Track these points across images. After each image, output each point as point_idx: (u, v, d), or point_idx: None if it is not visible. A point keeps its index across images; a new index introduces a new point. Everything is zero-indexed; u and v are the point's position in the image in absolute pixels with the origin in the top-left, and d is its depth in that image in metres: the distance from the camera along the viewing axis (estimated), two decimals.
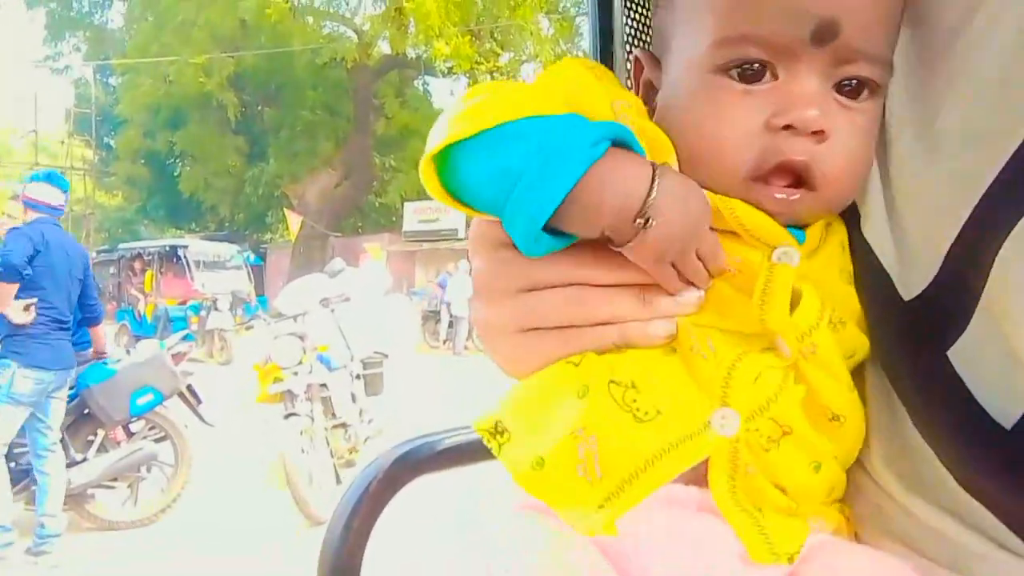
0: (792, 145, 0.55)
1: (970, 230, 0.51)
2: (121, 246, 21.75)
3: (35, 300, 4.40)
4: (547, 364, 0.59)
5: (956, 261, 0.53)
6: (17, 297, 4.35)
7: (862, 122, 0.57)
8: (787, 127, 0.55)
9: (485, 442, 0.58)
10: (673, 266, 0.55)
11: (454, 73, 21.52)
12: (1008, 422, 0.50)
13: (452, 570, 0.62)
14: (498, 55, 20.68)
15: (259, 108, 27.47)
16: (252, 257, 21.37)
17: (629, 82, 0.69)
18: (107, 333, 5.47)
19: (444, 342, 15.93)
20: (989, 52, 0.52)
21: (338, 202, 24.25)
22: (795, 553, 0.56)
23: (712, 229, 0.56)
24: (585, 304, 0.58)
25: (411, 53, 21.59)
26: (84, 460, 4.88)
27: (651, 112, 0.63)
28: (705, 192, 0.56)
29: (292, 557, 4.23)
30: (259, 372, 5.60)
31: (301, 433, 5.13)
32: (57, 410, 4.58)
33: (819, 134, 0.55)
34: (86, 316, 4.87)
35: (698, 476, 0.57)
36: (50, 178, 4.78)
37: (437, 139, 0.57)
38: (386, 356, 6.64)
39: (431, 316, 16.57)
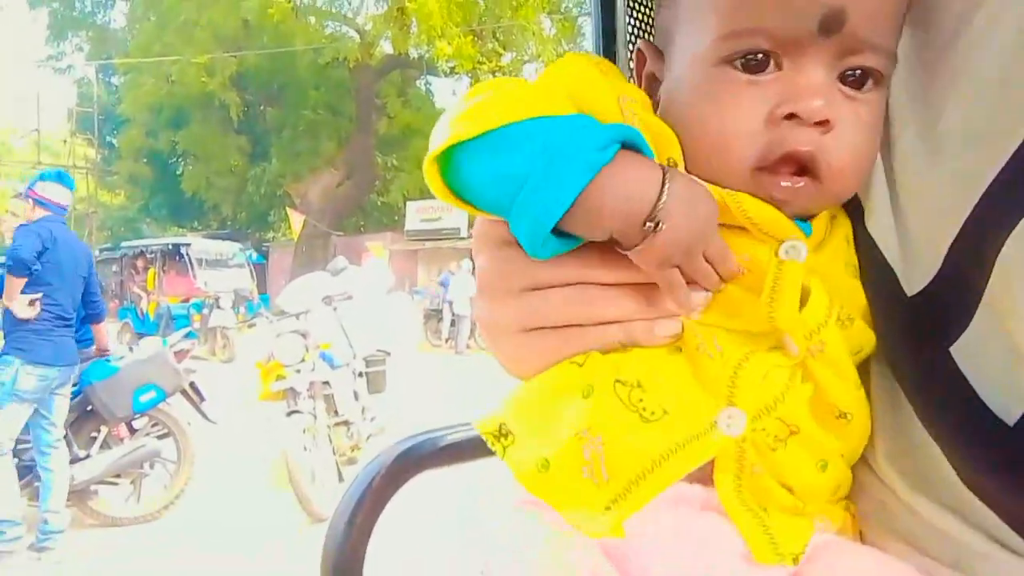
0: (797, 136, 0.55)
1: (971, 228, 0.52)
2: (124, 244, 21.77)
3: (40, 295, 4.43)
4: (551, 364, 0.58)
5: (958, 258, 0.53)
6: (23, 292, 4.39)
7: (866, 113, 0.57)
8: (791, 116, 0.54)
9: (489, 445, 0.57)
10: (680, 270, 0.55)
11: (456, 73, 21.48)
12: (1010, 419, 0.50)
13: (452, 567, 0.62)
14: (500, 55, 20.63)
15: (261, 108, 27.43)
16: (254, 256, 21.38)
17: (632, 78, 0.69)
18: (110, 331, 5.48)
19: (446, 341, 15.90)
20: (989, 52, 0.52)
21: (340, 201, 24.22)
22: (799, 554, 0.56)
23: (719, 224, 0.55)
24: (590, 303, 0.58)
25: (413, 53, 21.53)
26: (87, 457, 4.89)
27: (655, 105, 0.63)
28: (712, 193, 0.55)
29: (294, 554, 4.24)
30: (261, 370, 5.59)
31: (304, 431, 5.13)
32: (61, 407, 4.60)
33: (824, 124, 0.54)
34: (89, 313, 4.89)
35: (703, 474, 0.57)
36: (60, 177, 4.83)
37: (441, 139, 0.56)
38: (388, 354, 6.64)
39: (433, 315, 16.55)
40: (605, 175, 0.51)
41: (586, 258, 0.57)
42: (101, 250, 21.02)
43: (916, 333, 0.56)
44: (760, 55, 0.55)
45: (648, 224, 0.52)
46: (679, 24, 0.61)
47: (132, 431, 5.15)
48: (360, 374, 6.23)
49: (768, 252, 0.57)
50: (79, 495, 4.80)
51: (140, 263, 18.99)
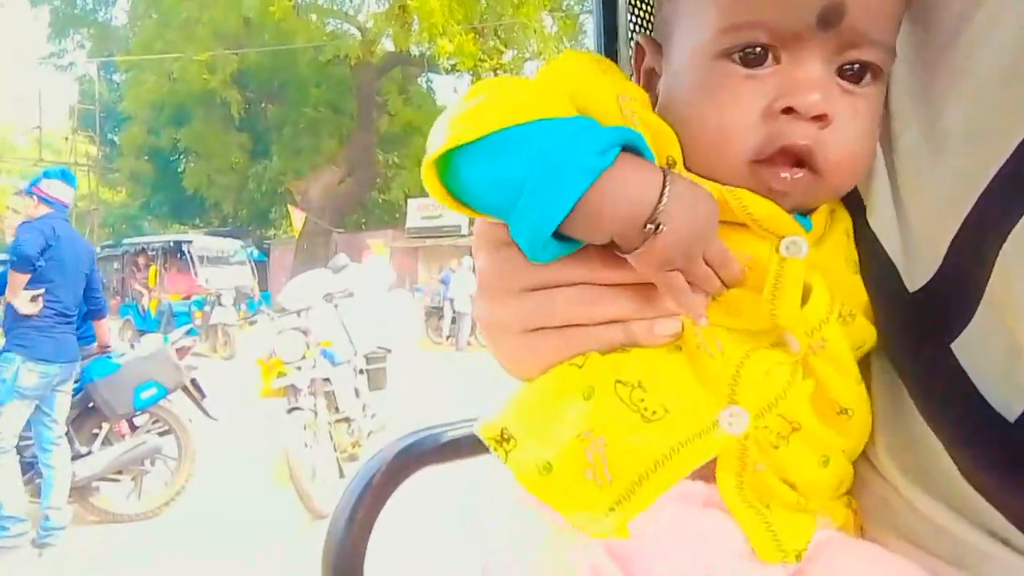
0: (795, 130, 0.54)
1: (972, 225, 0.52)
2: (125, 241, 21.73)
3: (42, 291, 4.44)
4: (552, 364, 0.58)
5: (959, 255, 0.53)
6: (24, 289, 4.41)
7: (864, 107, 0.56)
8: (789, 111, 0.54)
9: (492, 450, 0.57)
10: (682, 274, 0.54)
11: (457, 70, 21.46)
12: (1011, 415, 0.50)
13: (453, 564, 0.62)
14: (502, 53, 20.59)
15: (262, 105, 27.42)
16: (256, 253, 21.37)
17: (633, 75, 0.69)
18: (111, 328, 5.49)
19: (447, 338, 15.90)
20: (990, 50, 0.52)
21: (341, 198, 24.21)
22: (802, 550, 0.56)
23: (719, 222, 0.55)
24: (590, 303, 0.58)
25: (414, 50, 21.53)
26: (88, 453, 4.90)
27: (653, 99, 0.63)
28: (712, 192, 0.55)
29: (295, 551, 4.25)
30: (262, 367, 5.60)
31: (304, 427, 5.14)
32: (62, 403, 4.61)
33: (821, 119, 0.54)
34: (91, 309, 4.90)
35: (705, 471, 0.57)
36: (64, 175, 4.85)
37: (440, 142, 0.56)
38: (389, 351, 6.63)
39: (434, 312, 16.54)
40: (605, 179, 0.51)
41: (587, 258, 0.56)
42: (103, 247, 21.02)
43: (917, 329, 0.56)
44: (759, 49, 0.55)
45: (648, 226, 0.52)
46: (679, 18, 0.61)
47: (133, 428, 5.16)
48: (361, 371, 6.23)
49: (769, 248, 0.57)
50: (80, 491, 4.81)
51: (141, 260, 18.97)
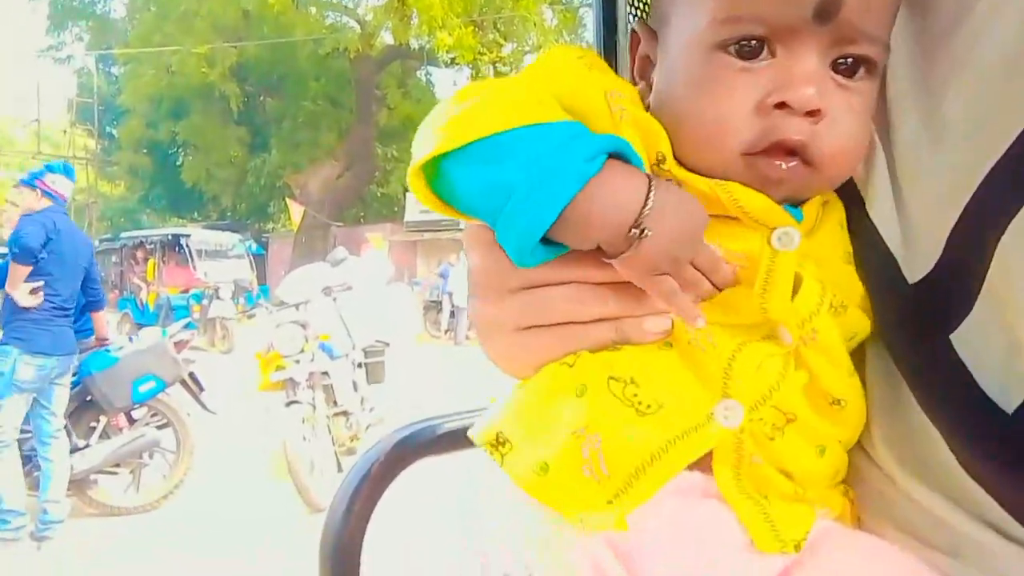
0: (788, 125, 0.54)
1: (971, 216, 0.52)
2: (123, 235, 21.76)
3: (42, 284, 4.46)
4: (545, 361, 0.59)
5: (958, 247, 0.53)
6: (24, 281, 4.42)
7: (858, 102, 0.57)
8: (782, 105, 0.54)
9: (488, 455, 0.57)
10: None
11: (457, 64, 21.39)
12: (1010, 407, 0.50)
13: (449, 559, 0.62)
14: (501, 46, 20.56)
15: (261, 98, 27.38)
16: (254, 247, 21.38)
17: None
18: (109, 321, 5.49)
19: (446, 332, 15.92)
20: (991, 41, 0.52)
21: (340, 192, 24.19)
22: (801, 540, 0.56)
23: (710, 216, 0.55)
24: (580, 302, 0.58)
25: (414, 44, 21.51)
26: (87, 446, 4.91)
27: (647, 88, 0.63)
28: (702, 187, 0.56)
29: (293, 544, 4.25)
30: (261, 360, 5.60)
31: (303, 421, 5.15)
32: (60, 396, 4.62)
33: (814, 114, 0.54)
34: (89, 300, 4.92)
35: (702, 462, 0.57)
36: (66, 170, 4.86)
37: (427, 147, 0.56)
38: (388, 345, 6.64)
39: (433, 306, 16.56)
40: (592, 185, 0.51)
41: (577, 257, 0.57)
42: (101, 241, 21.00)
43: (917, 321, 0.56)
44: (754, 41, 0.55)
45: (633, 231, 0.52)
46: (675, 6, 0.61)
47: (131, 421, 5.17)
48: (359, 365, 6.24)
49: (760, 240, 0.57)
50: (79, 484, 4.83)
51: (140, 254, 18.99)
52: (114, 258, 20.67)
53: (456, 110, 0.57)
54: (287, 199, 23.22)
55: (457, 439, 1.00)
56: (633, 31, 0.66)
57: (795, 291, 0.57)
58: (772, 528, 0.56)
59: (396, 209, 24.89)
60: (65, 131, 31.14)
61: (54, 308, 4.52)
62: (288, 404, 5.26)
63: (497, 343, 0.63)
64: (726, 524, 0.56)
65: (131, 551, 4.51)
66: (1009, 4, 0.52)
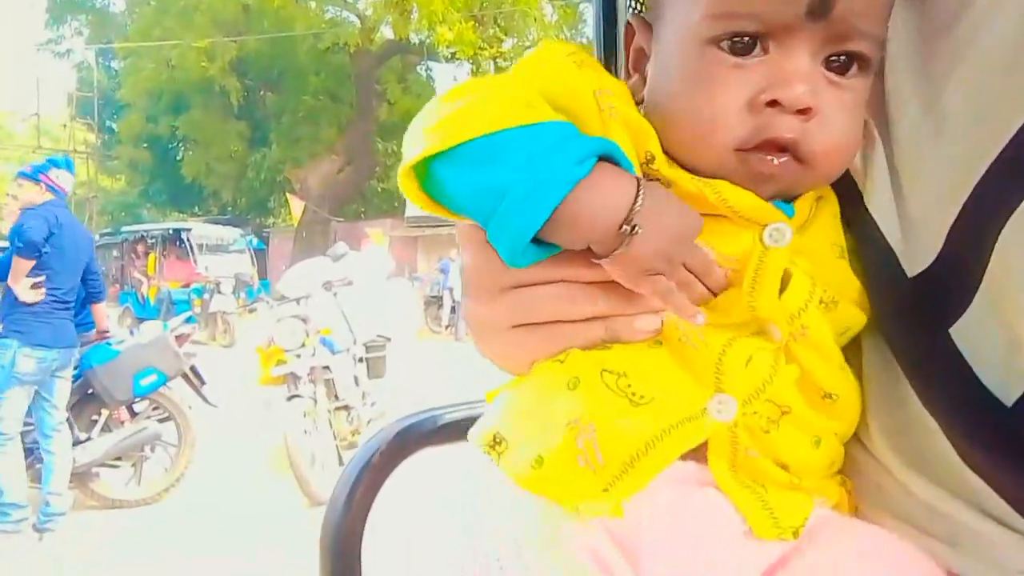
0: (779, 123, 0.54)
1: (971, 210, 0.52)
2: (124, 229, 21.71)
3: (43, 278, 4.45)
4: (538, 358, 0.59)
5: (957, 241, 0.53)
6: (27, 276, 4.41)
7: (850, 99, 0.56)
8: (773, 103, 0.54)
9: (487, 456, 0.58)
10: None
11: (457, 59, 21.32)
12: (1009, 400, 0.50)
13: (449, 553, 0.63)
14: (501, 41, 20.47)
15: (261, 93, 27.29)
16: (255, 241, 21.35)
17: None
18: (110, 316, 5.49)
19: (446, 327, 15.88)
20: (991, 36, 0.52)
21: (340, 187, 24.12)
22: (800, 527, 0.56)
23: (702, 214, 0.56)
24: (572, 301, 0.59)
25: (414, 38, 21.38)
26: (88, 439, 4.92)
27: (641, 81, 0.63)
28: (690, 185, 0.56)
29: (294, 537, 4.26)
30: (262, 355, 5.60)
31: (304, 415, 5.15)
32: (62, 389, 4.62)
33: (806, 112, 0.54)
34: (89, 292, 4.91)
35: (698, 453, 0.57)
36: (68, 165, 4.85)
37: (418, 148, 0.56)
38: (389, 340, 6.64)
39: (433, 301, 16.51)
40: (582, 188, 0.52)
41: (570, 257, 0.57)
42: (101, 235, 20.97)
43: (916, 314, 0.56)
44: (747, 38, 0.55)
45: (624, 227, 0.53)
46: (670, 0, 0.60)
47: (133, 414, 5.18)
48: (360, 359, 6.23)
49: (752, 237, 0.57)
50: (80, 477, 4.83)
51: (140, 248, 18.95)
52: (115, 252, 20.63)
53: (446, 110, 0.57)
54: (287, 194, 23.14)
55: (457, 430, 1.00)
56: (628, 23, 0.67)
57: (784, 287, 0.57)
58: (770, 515, 0.56)
59: (396, 204, 24.81)
60: (65, 125, 31.01)
61: (55, 301, 4.51)
62: (289, 398, 5.26)
63: (490, 341, 0.63)
64: (724, 512, 0.56)
65: (132, 544, 4.51)
66: (1009, 0, 0.52)
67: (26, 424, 4.56)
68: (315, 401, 5.34)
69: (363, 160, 24.47)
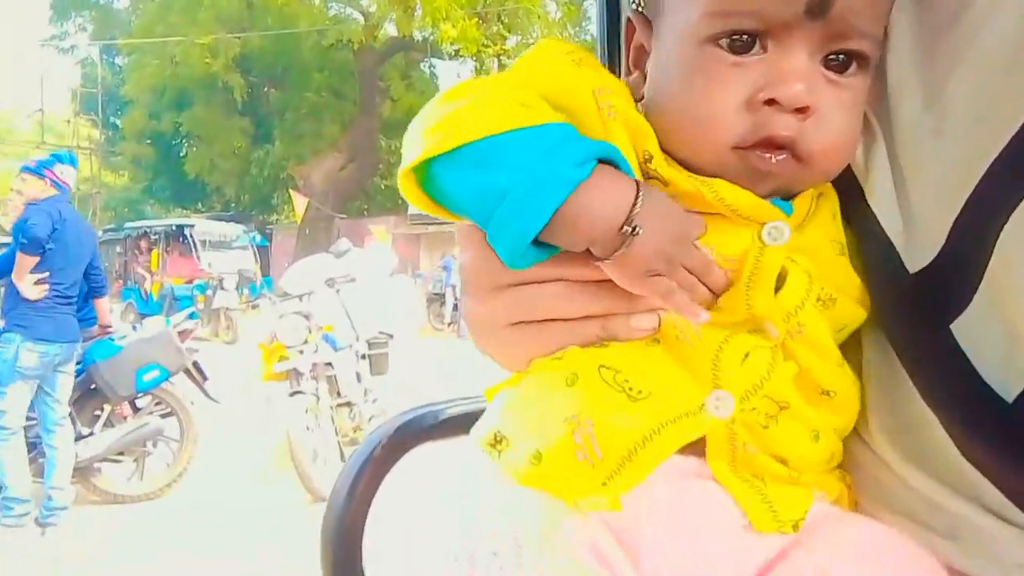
0: (777, 121, 0.55)
1: (973, 207, 0.52)
2: (127, 225, 21.72)
3: (47, 274, 4.46)
4: (535, 356, 0.60)
5: (959, 237, 0.53)
6: (30, 272, 4.43)
7: (849, 98, 0.56)
8: (771, 102, 0.54)
9: (488, 455, 0.58)
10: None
11: (460, 56, 21.31)
12: (1009, 396, 0.50)
13: (448, 550, 0.63)
14: (505, 38, 20.44)
15: (265, 90, 27.29)
16: (258, 238, 21.37)
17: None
18: (113, 311, 5.51)
19: (449, 324, 15.87)
20: (992, 35, 0.52)
21: (343, 184, 24.13)
22: (799, 520, 0.56)
23: (700, 213, 0.56)
24: (569, 299, 0.59)
25: (417, 35, 21.41)
26: (91, 434, 4.94)
27: (641, 76, 0.63)
28: (687, 185, 0.56)
29: (296, 533, 4.27)
30: (264, 351, 5.61)
31: (306, 411, 5.16)
32: (65, 384, 4.64)
33: (804, 111, 0.54)
34: (91, 287, 4.92)
35: (696, 448, 0.57)
36: (72, 160, 4.87)
37: (417, 150, 0.56)
38: (391, 337, 6.64)
39: (436, 298, 16.51)
40: (582, 190, 0.52)
41: (569, 256, 0.57)
42: (105, 231, 20.98)
43: (918, 310, 0.56)
44: (746, 36, 0.55)
45: (625, 228, 0.53)
46: None
47: (135, 410, 5.19)
48: (363, 356, 6.23)
49: (751, 235, 0.57)
50: (83, 472, 4.85)
51: (144, 244, 18.99)
52: (118, 248, 20.63)
53: (445, 111, 0.57)
54: (291, 190, 23.15)
55: (458, 424, 1.00)
56: (628, 20, 0.66)
57: (780, 285, 0.57)
58: (770, 508, 0.56)
59: (400, 201, 24.72)
60: (69, 121, 31.05)
61: (57, 296, 4.52)
62: (292, 394, 5.27)
63: (488, 339, 0.64)
64: (723, 505, 0.56)
65: (134, 539, 4.53)
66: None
67: (29, 419, 4.58)
68: (317, 397, 5.35)
69: (366, 157, 24.48)
